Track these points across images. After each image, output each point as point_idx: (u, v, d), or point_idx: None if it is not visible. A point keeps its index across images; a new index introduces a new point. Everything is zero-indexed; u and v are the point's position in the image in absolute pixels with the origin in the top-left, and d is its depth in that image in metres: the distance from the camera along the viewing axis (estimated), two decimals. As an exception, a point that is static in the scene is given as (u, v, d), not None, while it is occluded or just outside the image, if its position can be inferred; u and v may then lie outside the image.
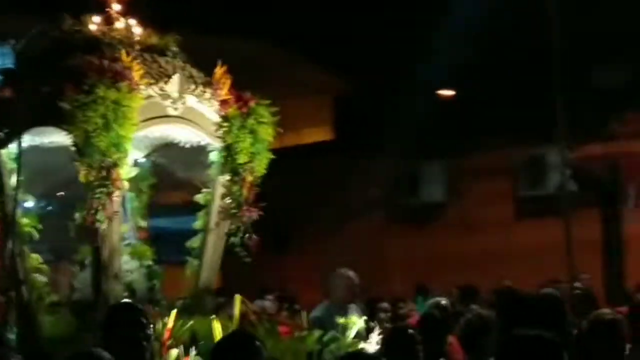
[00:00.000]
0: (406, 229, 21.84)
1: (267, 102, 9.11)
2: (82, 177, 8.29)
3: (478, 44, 17.38)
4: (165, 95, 8.69)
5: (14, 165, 8.97)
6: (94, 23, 9.02)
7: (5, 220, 8.96)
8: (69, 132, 8.27)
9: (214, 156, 9.21)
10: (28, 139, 8.89)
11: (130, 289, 8.87)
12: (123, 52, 8.57)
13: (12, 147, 8.95)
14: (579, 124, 17.44)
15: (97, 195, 8.22)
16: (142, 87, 8.49)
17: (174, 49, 9.16)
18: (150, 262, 9.10)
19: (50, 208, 9.72)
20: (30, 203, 9.15)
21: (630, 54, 17.42)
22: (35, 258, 9.09)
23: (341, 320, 8.93)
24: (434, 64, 17.48)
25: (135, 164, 9.45)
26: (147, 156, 9.53)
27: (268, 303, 14.82)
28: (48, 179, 9.47)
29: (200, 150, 9.26)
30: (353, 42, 17.18)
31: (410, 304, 15.32)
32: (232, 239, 8.93)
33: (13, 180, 8.97)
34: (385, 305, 14.21)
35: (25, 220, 9.08)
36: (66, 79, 8.42)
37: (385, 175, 21.09)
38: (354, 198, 21.08)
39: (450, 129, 19.21)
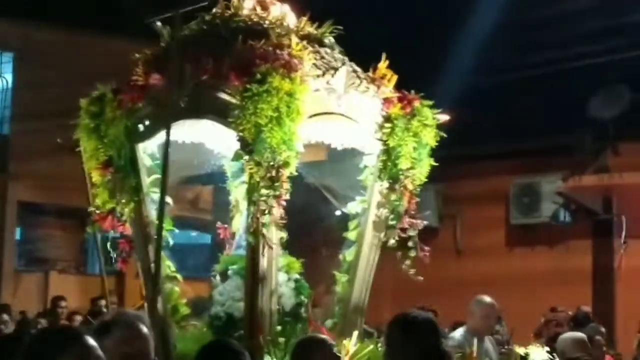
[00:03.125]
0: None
1: (431, 102, 8.23)
2: (247, 177, 7.36)
3: (474, 70, 17.52)
4: (331, 90, 7.79)
5: (150, 163, 8.06)
6: (247, 8, 8.10)
7: (142, 222, 8.02)
8: (235, 125, 7.33)
9: (369, 160, 8.32)
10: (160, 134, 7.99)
11: (279, 305, 7.89)
12: (293, 39, 7.66)
13: (151, 143, 8.05)
14: (574, 154, 17.82)
15: (263, 198, 7.29)
16: (309, 79, 7.56)
17: (331, 39, 8.27)
18: (297, 276, 8.13)
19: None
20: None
21: (626, 85, 17.59)
22: (169, 266, 8.14)
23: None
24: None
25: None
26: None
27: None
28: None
29: (347, 154, 8.37)
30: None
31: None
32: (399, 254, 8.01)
33: (149, 179, 8.07)
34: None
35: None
36: (230, 67, 7.48)
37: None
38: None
39: (444, 154, 18.84)
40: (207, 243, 20.66)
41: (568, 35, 17.38)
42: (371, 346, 7.28)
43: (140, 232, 8.10)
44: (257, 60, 7.40)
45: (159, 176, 8.13)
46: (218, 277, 8.18)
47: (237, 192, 8.74)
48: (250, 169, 7.29)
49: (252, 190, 7.37)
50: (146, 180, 8.12)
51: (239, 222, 8.68)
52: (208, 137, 8.33)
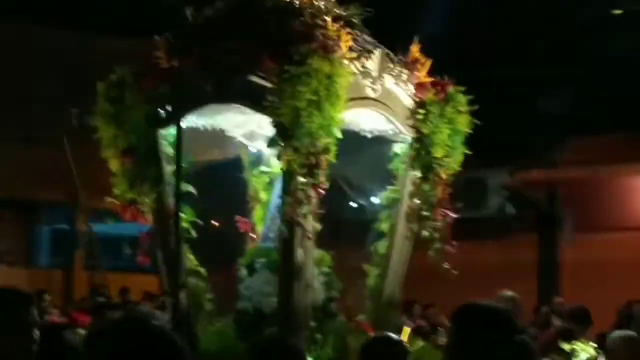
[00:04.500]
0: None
1: (463, 88, 7.88)
2: (283, 164, 6.96)
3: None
4: (367, 74, 7.42)
5: (172, 151, 7.64)
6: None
7: (164, 214, 7.59)
8: (270, 110, 6.93)
9: (400, 148, 7.95)
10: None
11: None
12: (329, 19, 7.27)
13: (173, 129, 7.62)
14: (521, 149, 17.72)
15: (301, 187, 6.89)
16: (345, 62, 7.18)
17: (359, 22, 7.89)
18: (328, 270, 7.73)
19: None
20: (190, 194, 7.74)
21: (575, 82, 17.65)
22: (192, 259, 7.72)
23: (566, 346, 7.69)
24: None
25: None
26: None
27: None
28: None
29: (379, 142, 8.01)
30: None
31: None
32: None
33: (170, 168, 7.65)
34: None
35: (183, 215, 7.70)
36: (263, 48, 7.08)
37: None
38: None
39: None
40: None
41: (516, 31, 17.36)
42: (422, 343, 6.91)
43: (161, 224, 7.66)
44: (296, 40, 6.99)
45: (183, 165, 7.73)
46: (244, 271, 7.74)
47: (257, 182, 8.35)
48: (288, 156, 6.87)
49: (289, 178, 6.96)
50: (167, 169, 7.69)
51: (260, 214, 8.28)
52: (229, 124, 7.93)
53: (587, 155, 17.75)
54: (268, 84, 7.00)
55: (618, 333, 6.98)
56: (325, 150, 6.89)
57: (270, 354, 5.35)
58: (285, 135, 6.88)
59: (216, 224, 8.88)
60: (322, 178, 6.92)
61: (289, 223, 7.03)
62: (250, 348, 5.59)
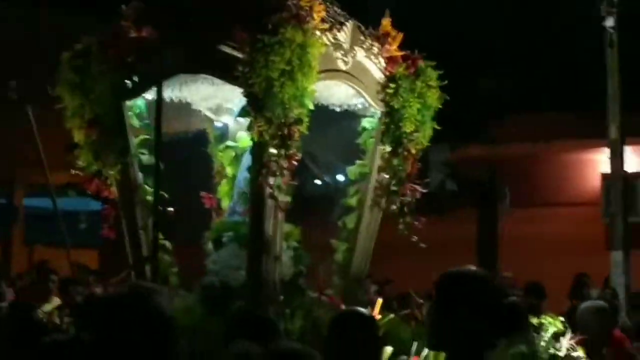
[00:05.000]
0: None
1: (434, 63, 7.83)
2: (255, 135, 6.85)
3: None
4: (338, 46, 7.33)
5: (138, 123, 7.51)
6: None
7: (129, 186, 7.45)
8: (242, 80, 6.82)
9: (369, 123, 7.89)
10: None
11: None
12: (301, -12, 7.16)
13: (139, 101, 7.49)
14: (461, 126, 17.52)
15: (274, 158, 6.79)
16: (317, 33, 7.08)
17: (329, -6, 7.79)
18: (296, 244, 7.63)
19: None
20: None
21: (513, 60, 17.89)
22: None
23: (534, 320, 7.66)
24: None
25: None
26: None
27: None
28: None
29: (346, 116, 7.93)
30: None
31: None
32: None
33: (136, 140, 7.52)
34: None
35: (148, 188, 7.57)
36: (234, 18, 6.96)
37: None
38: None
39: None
40: (97, 210, 20.04)
41: (458, 10, 17.43)
42: (391, 315, 6.85)
43: (127, 196, 7.52)
44: (268, 10, 6.88)
45: (147, 137, 7.60)
46: (210, 245, 7.61)
47: (223, 157, 8.23)
48: (260, 126, 6.77)
49: (261, 149, 6.85)
50: (133, 141, 7.55)
51: (226, 189, 8.17)
52: (196, 97, 7.81)
53: (524, 132, 17.96)
54: (239, 54, 6.87)
55: (588, 304, 6.96)
56: (298, 121, 6.80)
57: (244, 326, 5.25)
58: (257, 105, 6.77)
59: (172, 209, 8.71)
60: (295, 149, 6.81)
61: (259, 195, 6.91)
62: (226, 320, 5.48)
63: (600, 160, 16.13)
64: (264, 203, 6.94)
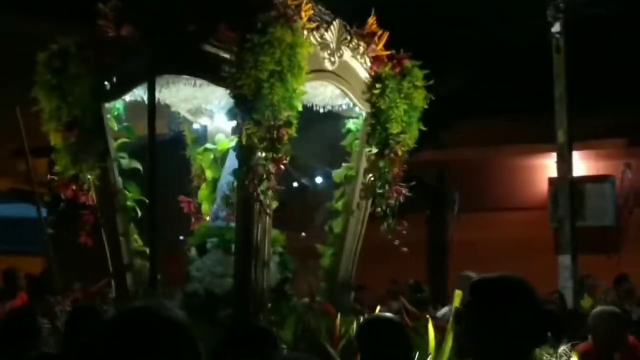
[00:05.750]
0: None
1: (419, 62, 7.67)
2: (243, 138, 6.63)
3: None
4: (325, 45, 7.14)
5: (117, 126, 7.27)
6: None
7: (109, 191, 7.20)
8: (230, 81, 6.60)
9: (353, 124, 7.71)
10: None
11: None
12: (287, -14, 6.96)
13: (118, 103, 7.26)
14: None
15: (262, 162, 6.58)
16: (305, 32, 6.89)
17: (313, -8, 7.58)
18: (281, 250, 7.43)
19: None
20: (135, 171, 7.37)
21: (462, 64, 17.74)
22: (137, 240, 7.34)
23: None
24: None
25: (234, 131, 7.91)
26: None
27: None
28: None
29: (330, 117, 7.75)
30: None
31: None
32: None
33: (115, 143, 7.29)
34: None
35: (128, 193, 7.33)
36: (220, 17, 6.74)
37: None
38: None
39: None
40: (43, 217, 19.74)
41: (409, 16, 17.38)
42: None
43: (107, 201, 7.26)
44: (254, 8, 6.66)
45: (126, 140, 7.36)
46: (193, 251, 7.38)
47: (202, 159, 8.00)
48: (248, 129, 6.55)
49: (248, 153, 6.64)
50: (113, 144, 7.30)
51: (206, 192, 7.94)
52: (175, 99, 7.58)
53: (474, 136, 17.92)
54: (226, 55, 6.65)
55: (601, 309, 6.83)
56: (287, 123, 6.59)
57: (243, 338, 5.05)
58: (246, 107, 6.55)
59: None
60: (283, 153, 6.61)
61: (246, 200, 6.70)
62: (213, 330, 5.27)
63: (548, 165, 16.12)
64: (251, 208, 6.73)
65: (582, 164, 16.83)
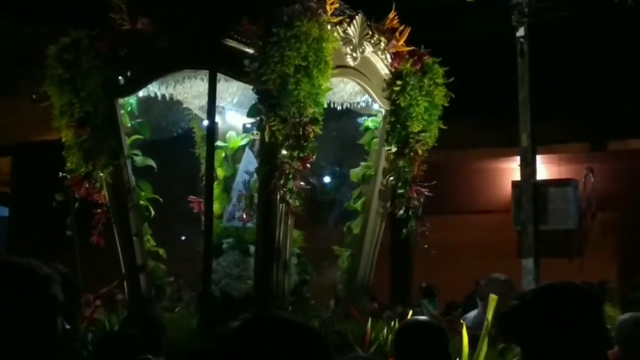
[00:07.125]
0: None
1: (439, 59, 7.47)
2: (267, 135, 6.39)
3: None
4: (348, 40, 6.91)
5: (130, 122, 7.02)
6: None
7: (122, 189, 6.94)
8: (253, 76, 6.35)
9: (372, 122, 7.49)
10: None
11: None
12: (311, -22, 6.72)
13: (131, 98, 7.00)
14: None
15: (287, 160, 6.35)
16: (329, 27, 6.66)
17: (332, -14, 7.35)
18: (299, 251, 7.20)
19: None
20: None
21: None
22: (148, 239, 7.09)
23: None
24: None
25: (245, 129, 7.71)
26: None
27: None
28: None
29: (346, 114, 7.53)
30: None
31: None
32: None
33: (129, 140, 7.03)
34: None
35: (141, 191, 7.08)
36: (242, 9, 6.50)
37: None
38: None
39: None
40: (5, 216, 19.64)
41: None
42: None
43: (120, 200, 7.00)
44: (278, 2, 6.43)
45: (140, 136, 7.10)
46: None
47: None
48: (273, 125, 6.31)
49: (272, 151, 6.40)
50: (126, 141, 7.04)
51: (217, 191, 7.67)
52: (187, 95, 7.33)
53: (438, 140, 17.78)
54: (248, 49, 6.41)
55: (631, 315, 6.61)
56: (313, 120, 6.36)
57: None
58: (271, 103, 6.30)
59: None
60: (310, 151, 6.38)
61: (269, 200, 6.46)
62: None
63: (512, 169, 16.05)
64: (274, 208, 6.48)
65: (546, 168, 16.80)
